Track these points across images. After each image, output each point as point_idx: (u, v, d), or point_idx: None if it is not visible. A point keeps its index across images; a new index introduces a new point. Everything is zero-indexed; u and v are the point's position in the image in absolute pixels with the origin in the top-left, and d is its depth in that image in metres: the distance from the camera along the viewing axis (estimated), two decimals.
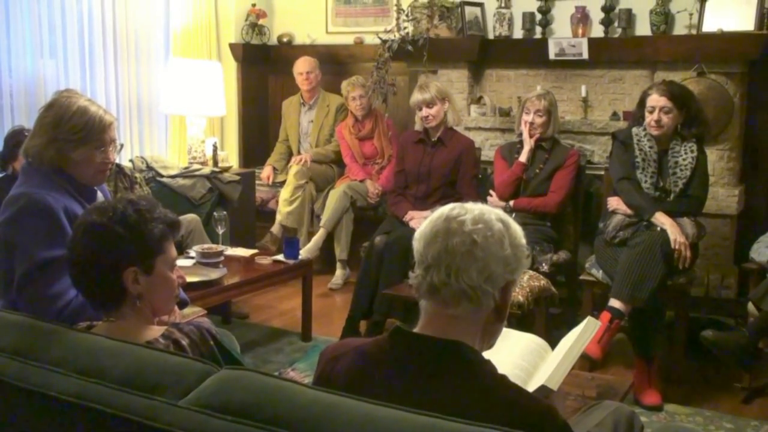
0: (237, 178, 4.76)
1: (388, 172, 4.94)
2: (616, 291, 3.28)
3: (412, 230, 3.91)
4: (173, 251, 1.79)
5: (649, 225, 3.42)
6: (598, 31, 4.53)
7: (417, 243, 1.48)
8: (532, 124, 3.96)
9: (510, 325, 1.63)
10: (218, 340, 1.67)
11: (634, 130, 3.59)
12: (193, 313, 2.92)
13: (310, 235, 5.03)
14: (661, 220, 3.39)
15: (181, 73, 5.01)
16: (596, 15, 4.51)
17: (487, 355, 1.47)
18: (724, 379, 3.49)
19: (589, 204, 4.28)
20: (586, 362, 3.21)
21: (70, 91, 2.38)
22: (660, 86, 3.52)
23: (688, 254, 3.33)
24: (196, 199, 4.45)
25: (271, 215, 5.26)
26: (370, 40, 5.26)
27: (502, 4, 4.75)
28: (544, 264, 3.67)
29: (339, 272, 4.99)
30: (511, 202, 3.94)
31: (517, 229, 1.50)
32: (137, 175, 4.15)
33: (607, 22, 4.45)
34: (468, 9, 4.78)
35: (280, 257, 3.97)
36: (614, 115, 4.46)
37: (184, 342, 1.61)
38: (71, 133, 2.26)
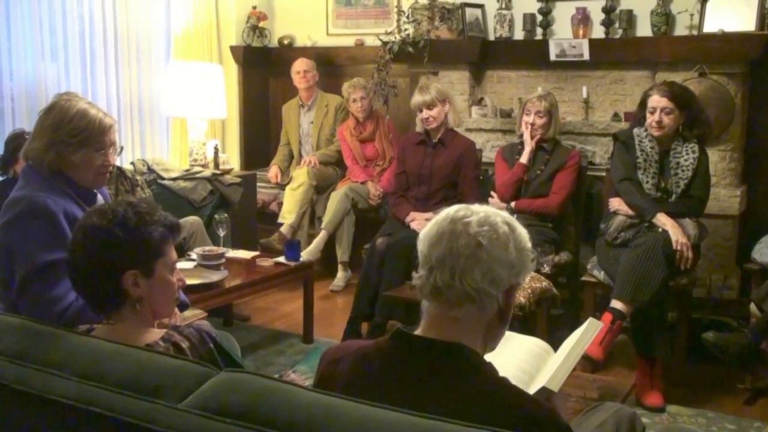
0: (238, 180, 4.76)
1: (389, 173, 4.94)
2: (618, 292, 3.27)
3: (414, 232, 3.94)
4: (173, 254, 1.79)
5: (650, 226, 3.41)
6: (598, 32, 4.53)
7: (421, 244, 1.48)
8: (532, 125, 3.96)
9: (512, 326, 1.63)
10: (218, 343, 1.67)
11: (636, 130, 3.58)
12: (194, 315, 2.92)
13: (312, 237, 5.03)
14: (663, 220, 3.38)
15: (182, 76, 5.02)
16: (597, 16, 4.51)
17: (489, 357, 1.47)
18: (727, 380, 3.48)
19: (591, 205, 4.28)
20: (587, 363, 3.20)
21: (70, 94, 2.38)
22: (661, 87, 3.52)
23: (690, 255, 3.32)
24: (197, 202, 4.45)
25: (272, 217, 5.26)
26: (371, 41, 5.26)
27: (503, 6, 4.75)
28: (545, 265, 3.67)
29: (340, 274, 4.99)
30: (513, 204, 3.94)
31: (523, 233, 1.50)
32: (138, 177, 4.15)
33: (607, 23, 4.45)
34: (469, 10, 4.78)
35: (282, 259, 3.97)
36: (615, 116, 4.46)
37: (184, 345, 1.61)
38: (71, 136, 2.26)
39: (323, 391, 1.32)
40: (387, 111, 5.14)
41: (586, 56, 4.42)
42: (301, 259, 4.03)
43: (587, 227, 4.19)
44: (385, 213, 4.85)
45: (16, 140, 3.59)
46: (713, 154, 4.00)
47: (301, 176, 5.13)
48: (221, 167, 4.95)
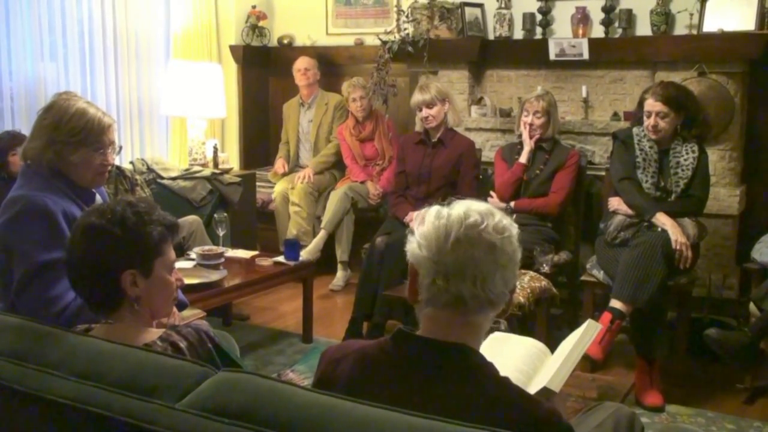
0: (238, 179, 4.76)
1: (389, 173, 4.94)
2: (617, 291, 3.27)
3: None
4: (172, 254, 1.79)
5: (650, 225, 3.41)
6: (598, 31, 4.52)
7: (424, 250, 1.43)
8: (531, 125, 3.96)
9: (511, 326, 1.64)
10: (216, 343, 1.67)
11: (635, 130, 3.58)
12: (193, 315, 2.92)
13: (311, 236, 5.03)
14: (662, 220, 3.38)
15: (182, 75, 5.02)
16: (596, 15, 4.51)
17: (488, 358, 1.47)
18: (726, 379, 3.48)
19: (590, 204, 4.28)
20: (587, 363, 3.20)
21: (69, 93, 2.38)
22: (656, 90, 3.49)
23: (690, 254, 3.32)
24: (196, 201, 4.45)
25: (272, 217, 5.26)
26: (371, 41, 5.26)
27: (503, 5, 4.74)
28: (545, 265, 3.66)
29: (340, 274, 4.99)
30: (512, 203, 3.94)
31: (515, 227, 1.49)
32: (138, 177, 4.16)
33: (607, 23, 4.45)
34: (468, 10, 4.78)
35: (281, 259, 3.97)
36: (615, 116, 4.46)
37: (182, 344, 1.61)
38: (70, 135, 2.25)
39: (322, 391, 1.32)
40: (386, 110, 5.13)
41: (586, 56, 4.42)
42: (300, 258, 4.02)
43: (586, 227, 4.18)
44: (385, 212, 4.85)
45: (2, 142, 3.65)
46: (713, 154, 4.00)
47: (296, 195, 5.10)
48: (220, 167, 4.95)
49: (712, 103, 4.02)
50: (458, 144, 4.15)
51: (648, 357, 3.31)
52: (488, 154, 4.60)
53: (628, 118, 4.15)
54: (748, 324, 3.37)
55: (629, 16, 4.40)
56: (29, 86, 4.44)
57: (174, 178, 4.51)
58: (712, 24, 4.13)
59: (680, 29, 4.31)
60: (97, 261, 1.68)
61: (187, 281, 2.79)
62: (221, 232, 3.97)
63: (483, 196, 4.06)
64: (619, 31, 4.45)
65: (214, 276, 3.47)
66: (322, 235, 4.91)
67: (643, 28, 4.40)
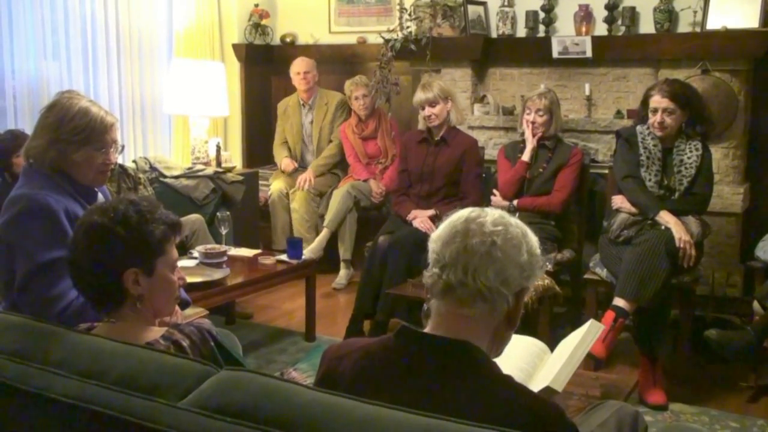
0: (240, 178, 4.76)
1: (392, 171, 4.94)
2: (621, 290, 3.26)
3: (416, 230, 3.95)
4: (174, 252, 1.79)
5: (653, 223, 3.41)
6: (601, 29, 4.52)
7: (434, 244, 1.48)
8: (533, 123, 3.95)
9: None
10: (219, 341, 1.66)
11: (639, 128, 3.57)
12: (195, 313, 2.92)
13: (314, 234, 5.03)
14: (666, 218, 3.37)
15: (185, 74, 5.02)
16: (600, 13, 4.50)
17: None
18: (730, 378, 3.48)
19: (593, 203, 4.27)
20: (590, 361, 3.19)
21: (72, 92, 2.37)
22: (662, 87, 3.49)
23: (693, 253, 3.31)
24: (199, 200, 4.46)
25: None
26: (373, 39, 5.25)
27: (505, 3, 4.74)
28: (548, 263, 3.65)
29: (343, 272, 4.99)
30: (515, 202, 3.93)
31: (534, 239, 1.51)
32: (140, 175, 4.16)
33: (610, 20, 4.44)
34: (471, 8, 4.77)
35: (284, 257, 3.97)
36: (618, 114, 4.45)
37: (185, 343, 1.60)
38: (73, 134, 2.25)
39: (324, 389, 1.31)
40: (389, 109, 5.13)
41: (589, 53, 4.41)
42: (303, 256, 4.02)
43: (590, 225, 4.18)
44: (388, 211, 4.85)
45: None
46: (716, 152, 3.99)
47: (296, 201, 5.10)
48: (223, 165, 4.95)
49: (716, 100, 4.01)
50: (461, 142, 4.14)
51: (651, 355, 3.31)
52: (491, 153, 4.60)
53: (632, 116, 4.14)
54: (752, 322, 3.37)
55: (632, 14, 4.39)
56: (32, 85, 4.45)
57: (177, 177, 4.51)
58: (715, 21, 4.12)
59: (684, 27, 4.30)
60: (100, 259, 1.68)
61: (190, 280, 2.80)
62: (224, 231, 3.97)
63: (486, 194, 4.07)
64: (623, 28, 4.44)
65: (216, 274, 3.47)
66: (324, 233, 4.91)
67: (647, 25, 4.39)
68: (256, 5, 5.72)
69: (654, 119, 3.47)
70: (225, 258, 3.68)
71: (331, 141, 5.34)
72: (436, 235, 1.49)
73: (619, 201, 3.57)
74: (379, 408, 1.20)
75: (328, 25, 5.76)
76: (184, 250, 3.76)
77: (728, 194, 4.10)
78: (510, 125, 4.62)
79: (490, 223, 1.45)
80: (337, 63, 5.64)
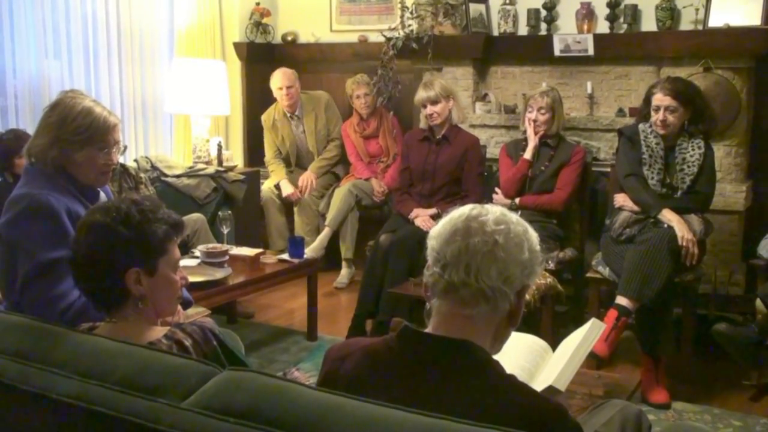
0: (242, 177, 4.75)
1: (393, 170, 4.93)
2: (623, 288, 3.26)
3: (418, 228, 3.94)
4: (176, 252, 1.78)
5: (656, 222, 3.40)
6: (603, 27, 4.50)
7: (433, 241, 1.47)
8: (535, 121, 3.95)
9: None
10: (221, 341, 1.66)
11: (641, 126, 3.57)
12: (197, 313, 2.92)
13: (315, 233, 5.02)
14: (668, 216, 3.37)
15: (186, 73, 5.01)
16: (601, 11, 4.49)
17: None
18: (733, 376, 3.47)
19: (596, 201, 4.26)
20: (593, 360, 3.19)
21: (75, 92, 2.37)
22: (664, 85, 3.48)
23: (696, 251, 3.31)
24: (200, 199, 4.45)
25: None
26: (375, 38, 5.24)
27: (507, 1, 4.73)
28: (550, 261, 3.65)
29: (344, 271, 4.99)
30: (517, 200, 3.93)
31: (534, 235, 1.50)
32: (142, 175, 4.15)
33: (612, 18, 4.43)
34: (472, 6, 4.76)
35: (285, 256, 3.97)
36: (620, 112, 4.44)
37: (187, 343, 1.60)
38: (75, 134, 2.24)
39: (327, 389, 1.31)
40: (391, 107, 5.13)
41: (591, 51, 4.40)
42: (304, 256, 4.02)
43: (592, 223, 4.17)
44: (389, 210, 4.85)
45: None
46: (719, 150, 3.98)
47: (299, 208, 5.10)
48: (225, 164, 4.95)
49: (718, 98, 4.00)
50: (463, 141, 4.14)
51: (654, 354, 3.30)
52: (493, 151, 4.59)
53: (634, 114, 4.13)
54: (755, 320, 3.36)
55: (634, 12, 4.38)
56: (33, 84, 4.44)
57: (178, 176, 4.50)
58: (717, 19, 4.11)
59: (686, 24, 4.29)
60: (102, 259, 1.67)
61: (192, 279, 2.79)
62: (225, 230, 3.97)
63: (488, 192, 4.06)
64: (624, 26, 4.43)
65: (218, 274, 3.47)
66: (326, 232, 4.90)
67: (649, 23, 4.38)
68: (258, 4, 5.72)
69: (656, 117, 3.46)
70: (226, 257, 3.67)
71: (330, 141, 5.30)
72: (436, 232, 1.47)
73: (621, 199, 3.57)
74: (382, 408, 1.19)
75: (329, 23, 5.75)
76: (185, 250, 3.75)
77: (731, 192, 4.09)
78: (512, 123, 4.62)
79: (492, 222, 1.43)
80: (339, 62, 5.63)
